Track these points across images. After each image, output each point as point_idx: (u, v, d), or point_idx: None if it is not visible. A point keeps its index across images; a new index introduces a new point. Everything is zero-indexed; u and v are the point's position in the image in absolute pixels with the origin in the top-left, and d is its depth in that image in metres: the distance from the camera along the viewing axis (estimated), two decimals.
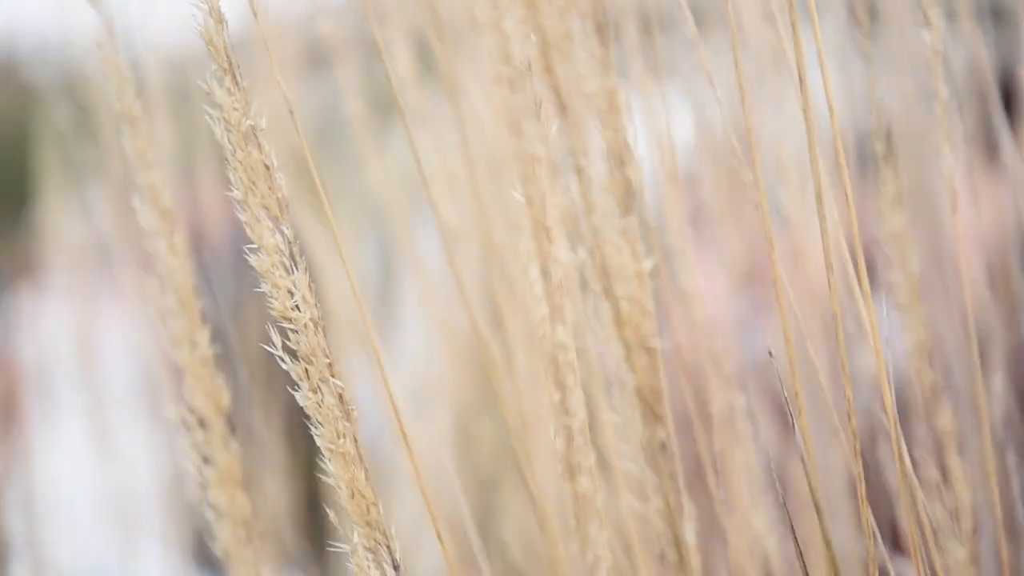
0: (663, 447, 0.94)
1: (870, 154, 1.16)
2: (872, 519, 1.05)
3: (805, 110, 1.02)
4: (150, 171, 1.08)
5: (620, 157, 0.90)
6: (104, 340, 2.55)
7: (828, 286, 1.03)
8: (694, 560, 0.98)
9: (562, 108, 0.91)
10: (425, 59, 1.41)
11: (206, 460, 1.09)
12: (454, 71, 1.25)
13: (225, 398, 1.09)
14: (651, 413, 0.93)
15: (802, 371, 1.04)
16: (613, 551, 0.98)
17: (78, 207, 2.66)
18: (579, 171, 0.91)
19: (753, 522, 1.30)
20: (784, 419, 1.63)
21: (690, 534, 0.98)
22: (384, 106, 1.78)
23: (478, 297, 1.53)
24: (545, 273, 0.94)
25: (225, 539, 1.09)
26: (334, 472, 1.11)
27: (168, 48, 2.27)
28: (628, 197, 0.90)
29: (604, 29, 0.89)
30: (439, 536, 1.12)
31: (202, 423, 1.09)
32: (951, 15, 1.35)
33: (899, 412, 1.02)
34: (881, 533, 1.10)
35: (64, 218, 2.60)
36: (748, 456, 1.31)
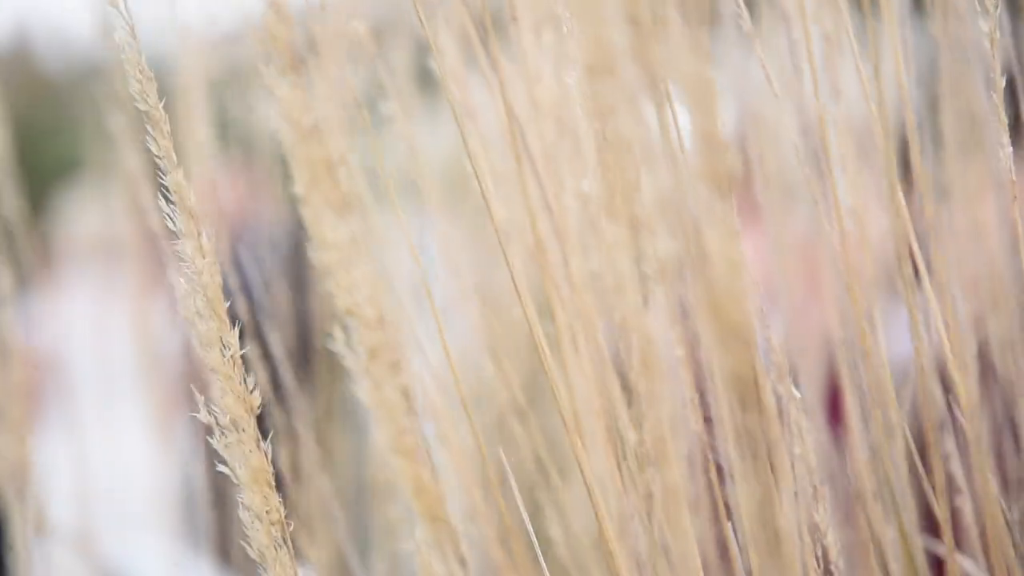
0: (761, 434, 0.92)
1: (932, 146, 1.15)
2: (932, 515, 1.04)
3: (879, 100, 1.00)
4: (176, 172, 1.07)
5: (715, 143, 0.88)
6: (155, 333, 2.54)
7: (901, 278, 1.01)
8: (790, 549, 0.96)
9: (655, 94, 0.90)
10: (470, 50, 1.40)
11: (238, 461, 1.08)
12: (500, 63, 1.24)
13: (255, 399, 1.08)
14: (749, 400, 0.91)
15: (876, 363, 1.03)
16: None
17: (111, 200, 2.64)
18: (672, 157, 0.89)
19: (812, 517, 1.28)
20: (832, 410, 1.61)
21: (785, 522, 0.97)
22: (428, 95, 1.77)
23: (528, 293, 1.51)
24: (637, 262, 0.92)
25: (259, 540, 1.08)
26: (398, 468, 1.10)
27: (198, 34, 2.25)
28: (724, 183, 0.88)
29: (698, 13, 0.87)
30: (494, 536, 1.11)
31: (234, 424, 1.08)
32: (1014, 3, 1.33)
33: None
34: (935, 528, 1.09)
35: (96, 211, 2.58)
36: (805, 449, 1.30)
